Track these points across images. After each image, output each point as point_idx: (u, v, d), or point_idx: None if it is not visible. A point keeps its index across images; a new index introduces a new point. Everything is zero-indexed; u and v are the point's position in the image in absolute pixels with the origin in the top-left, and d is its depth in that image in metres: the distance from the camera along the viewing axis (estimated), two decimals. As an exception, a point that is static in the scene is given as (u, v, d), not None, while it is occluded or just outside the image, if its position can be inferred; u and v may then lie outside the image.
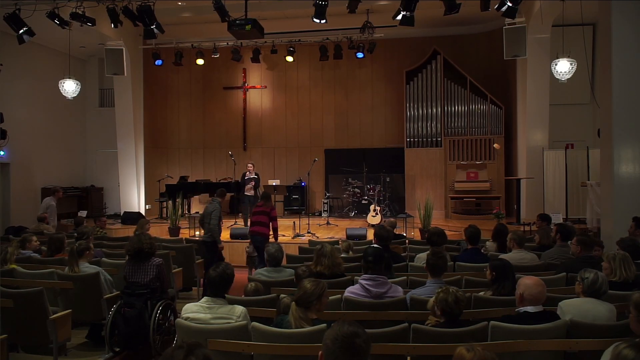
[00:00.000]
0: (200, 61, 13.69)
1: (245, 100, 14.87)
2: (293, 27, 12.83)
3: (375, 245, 5.13)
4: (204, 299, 3.60)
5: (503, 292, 3.99)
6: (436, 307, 3.36)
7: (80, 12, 9.24)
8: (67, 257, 5.38)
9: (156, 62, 13.39)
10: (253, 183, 11.28)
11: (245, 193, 11.37)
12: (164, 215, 12.88)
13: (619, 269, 4.02)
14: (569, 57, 8.81)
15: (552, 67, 8.98)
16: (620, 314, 3.49)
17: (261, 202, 7.93)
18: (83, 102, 14.89)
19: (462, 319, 3.36)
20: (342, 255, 5.82)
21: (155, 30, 9.40)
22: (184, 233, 10.80)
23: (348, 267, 5.27)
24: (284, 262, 5.45)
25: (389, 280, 4.20)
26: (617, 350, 2.13)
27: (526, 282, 3.38)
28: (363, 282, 4.05)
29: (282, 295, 3.89)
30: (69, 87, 10.97)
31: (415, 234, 10.28)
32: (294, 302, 3.31)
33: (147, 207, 13.75)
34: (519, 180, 11.00)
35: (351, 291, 4.07)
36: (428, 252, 4.66)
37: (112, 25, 9.54)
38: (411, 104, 13.06)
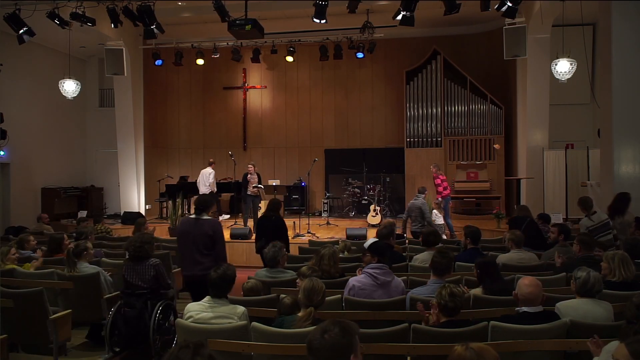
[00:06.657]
0: (200, 61, 13.68)
1: (245, 100, 14.86)
2: (293, 27, 12.81)
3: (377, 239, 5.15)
4: (206, 298, 3.64)
5: (494, 290, 4.00)
6: (435, 302, 3.37)
7: (80, 12, 9.24)
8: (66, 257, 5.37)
9: (156, 62, 13.38)
10: (256, 180, 11.35)
11: (248, 193, 11.35)
12: (164, 215, 12.88)
13: (619, 269, 4.02)
14: (569, 57, 8.79)
15: (552, 67, 8.97)
16: (617, 314, 3.49)
17: None
18: (83, 102, 14.88)
19: (462, 319, 3.36)
20: (341, 255, 5.81)
21: (155, 30, 9.41)
22: (184, 233, 10.77)
23: (346, 267, 5.26)
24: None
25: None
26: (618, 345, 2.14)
27: (520, 282, 3.40)
28: (370, 270, 4.13)
29: (282, 296, 3.88)
30: (69, 87, 10.97)
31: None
32: (312, 307, 3.35)
33: (147, 207, 13.74)
34: (519, 180, 11.00)
35: (357, 280, 4.13)
36: (433, 252, 4.66)
37: (112, 25, 9.55)
38: (411, 104, 13.05)
